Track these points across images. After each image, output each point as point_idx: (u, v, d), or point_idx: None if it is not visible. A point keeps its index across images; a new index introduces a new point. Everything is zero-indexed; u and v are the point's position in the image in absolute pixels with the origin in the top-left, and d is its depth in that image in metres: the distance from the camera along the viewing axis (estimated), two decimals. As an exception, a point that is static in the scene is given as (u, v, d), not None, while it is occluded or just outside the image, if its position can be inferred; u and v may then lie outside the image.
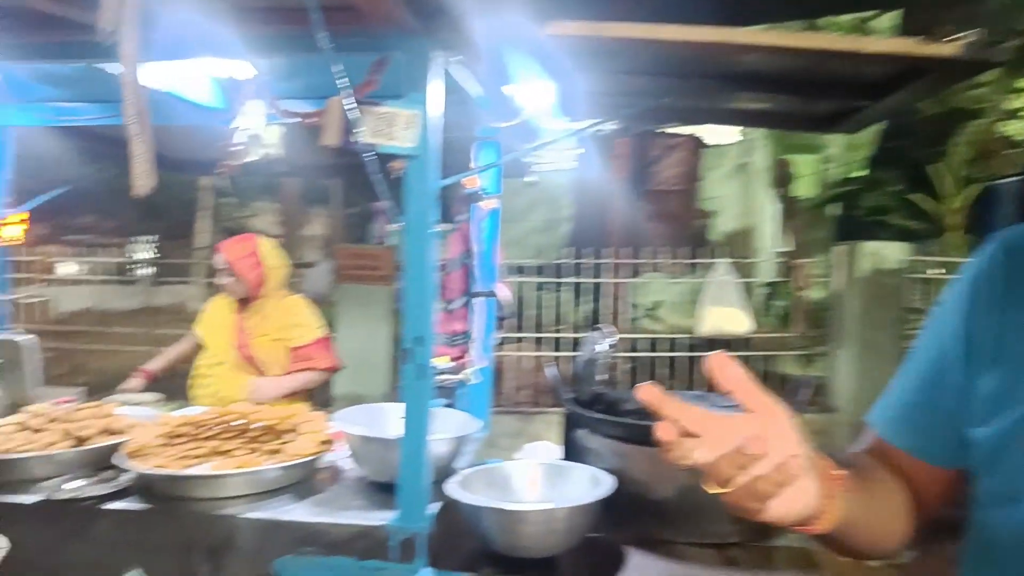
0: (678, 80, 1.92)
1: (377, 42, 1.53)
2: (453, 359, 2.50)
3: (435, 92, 1.52)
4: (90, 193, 12.66)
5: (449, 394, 2.33)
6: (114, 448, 1.84)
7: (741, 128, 7.79)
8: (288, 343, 2.84)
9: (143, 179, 1.21)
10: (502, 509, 1.57)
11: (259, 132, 2.19)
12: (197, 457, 1.86)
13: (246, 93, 2.11)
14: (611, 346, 2.04)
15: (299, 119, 1.75)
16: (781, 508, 0.71)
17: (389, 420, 1.98)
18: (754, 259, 6.54)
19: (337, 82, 1.42)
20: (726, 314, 5.82)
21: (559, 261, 6.00)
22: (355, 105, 1.47)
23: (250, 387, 2.74)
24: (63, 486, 1.71)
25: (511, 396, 5.98)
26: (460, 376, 2.38)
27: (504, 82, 1.97)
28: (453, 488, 1.67)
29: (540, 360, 5.79)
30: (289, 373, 2.82)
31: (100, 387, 5.61)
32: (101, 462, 1.83)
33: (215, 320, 2.86)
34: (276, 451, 1.90)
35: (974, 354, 0.88)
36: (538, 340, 5.96)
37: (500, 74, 1.85)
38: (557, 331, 5.97)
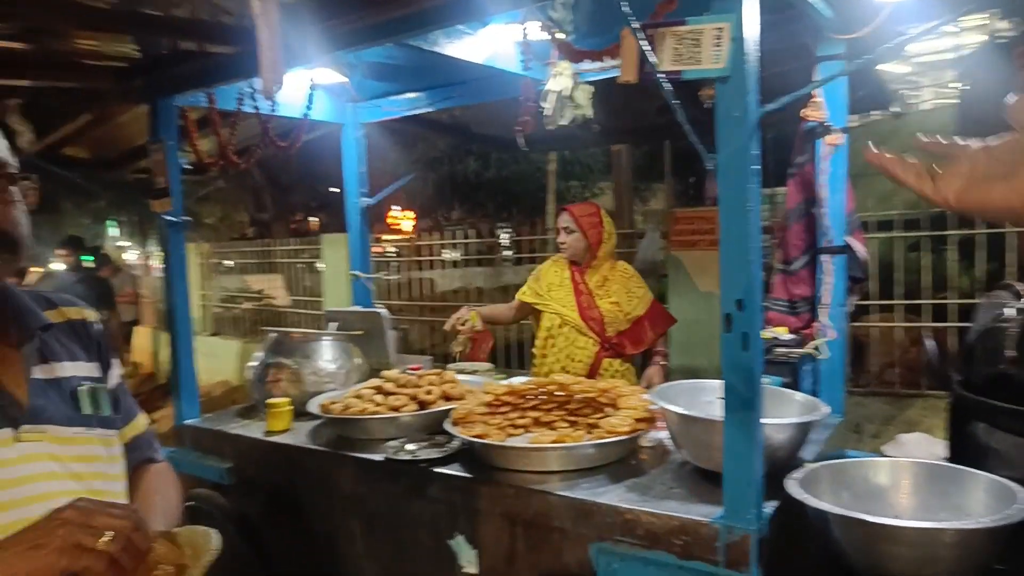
0: None
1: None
2: (795, 330, 2.11)
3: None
4: (460, 186, 14.55)
5: (791, 371, 1.98)
6: (448, 414, 1.93)
7: None
8: (627, 310, 2.82)
9: (270, 82, 1.24)
10: (864, 520, 1.23)
11: (570, 93, 2.11)
12: (518, 426, 1.85)
13: (552, 54, 2.04)
14: (1021, 311, 1.49)
15: (586, 59, 1.58)
16: None
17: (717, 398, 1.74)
18: None
19: (624, 8, 1.21)
20: None
21: (938, 209, 4.85)
22: (652, 30, 1.24)
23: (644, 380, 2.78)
24: (405, 446, 1.84)
25: (878, 375, 5.12)
26: (804, 350, 2.00)
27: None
28: (794, 486, 1.37)
29: (916, 332, 4.83)
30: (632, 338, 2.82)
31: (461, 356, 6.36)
32: (436, 426, 1.93)
33: (553, 283, 2.92)
34: (595, 425, 1.80)
35: None
36: (913, 309, 4.97)
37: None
38: (941, 297, 4.89)
